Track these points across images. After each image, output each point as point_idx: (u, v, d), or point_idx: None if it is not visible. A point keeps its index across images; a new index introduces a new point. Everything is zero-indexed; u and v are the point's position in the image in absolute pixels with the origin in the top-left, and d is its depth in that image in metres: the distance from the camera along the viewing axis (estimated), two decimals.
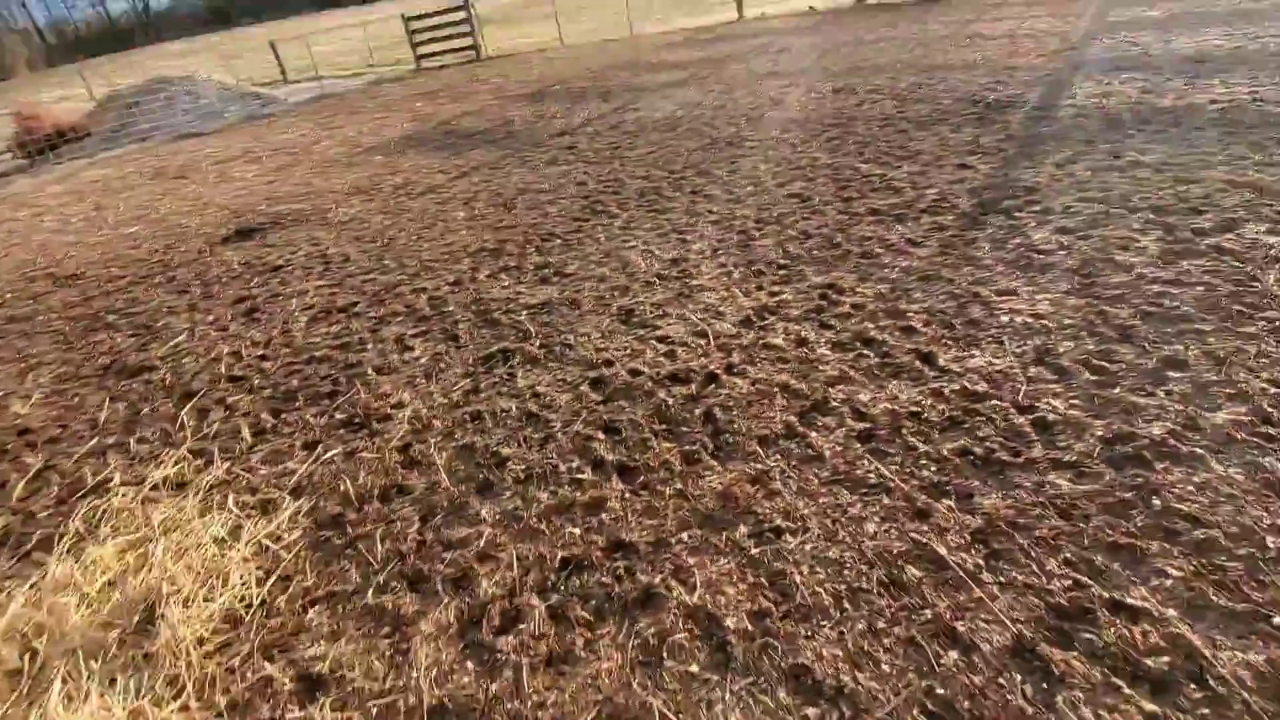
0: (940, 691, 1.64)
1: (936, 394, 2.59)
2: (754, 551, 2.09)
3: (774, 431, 2.57)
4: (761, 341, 3.12)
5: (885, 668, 1.71)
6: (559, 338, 3.48)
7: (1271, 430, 2.17)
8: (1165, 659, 1.62)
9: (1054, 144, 4.70)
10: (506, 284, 4.21)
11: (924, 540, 2.03)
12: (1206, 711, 1.51)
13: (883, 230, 3.93)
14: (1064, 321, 2.86)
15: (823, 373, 2.83)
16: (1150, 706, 1.53)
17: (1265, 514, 1.91)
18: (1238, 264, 3.04)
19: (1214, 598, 1.73)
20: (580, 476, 2.52)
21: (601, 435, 2.72)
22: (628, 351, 3.25)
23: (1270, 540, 1.84)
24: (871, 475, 2.29)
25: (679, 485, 2.40)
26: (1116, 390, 2.45)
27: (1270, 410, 2.24)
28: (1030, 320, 2.91)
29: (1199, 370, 2.47)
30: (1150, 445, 2.19)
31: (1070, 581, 1.83)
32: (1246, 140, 4.23)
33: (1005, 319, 2.95)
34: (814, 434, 2.52)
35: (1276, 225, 3.26)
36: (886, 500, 2.19)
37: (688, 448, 2.56)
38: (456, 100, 11.71)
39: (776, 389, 2.79)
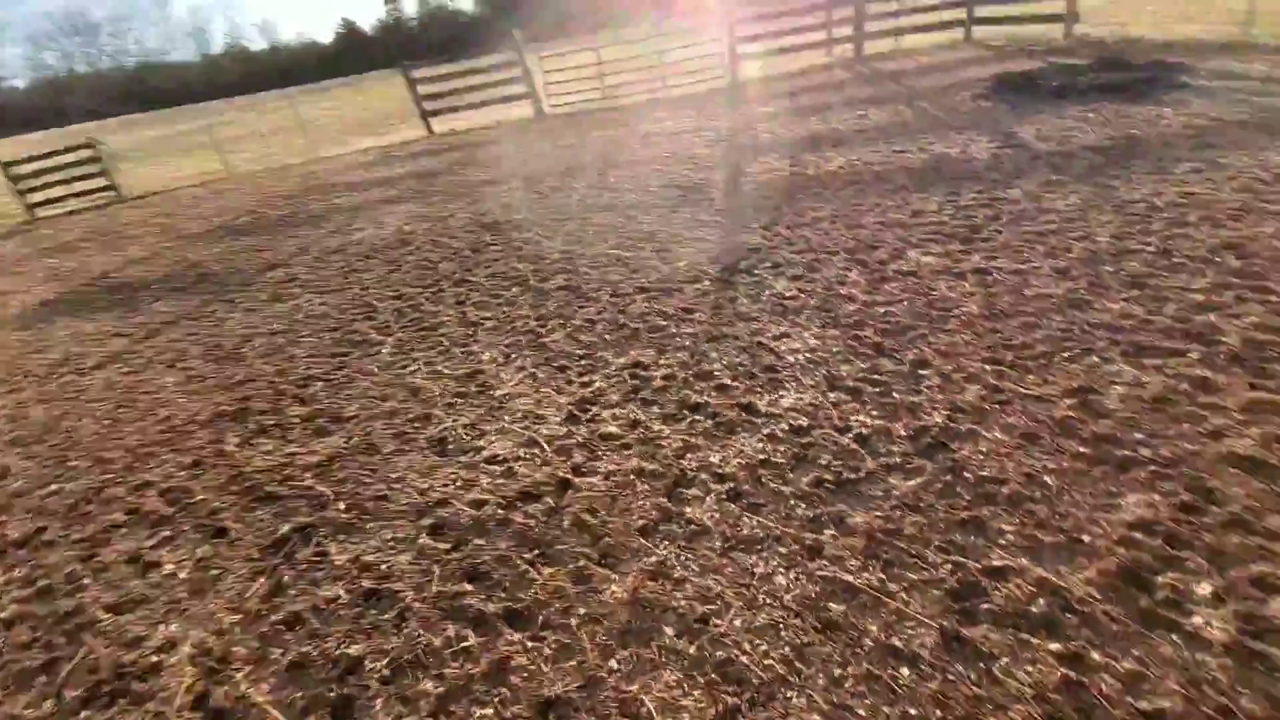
0: (914, 711, 1.71)
1: (772, 438, 2.83)
2: (691, 650, 1.98)
3: (650, 519, 2.51)
4: (597, 433, 3.08)
5: (862, 712, 1.74)
6: (368, 491, 2.98)
7: (1002, 397, 2.82)
8: (1042, 601, 1.94)
9: (753, 212, 5.67)
10: (270, 447, 3.50)
11: (829, 574, 2.15)
12: (1087, 632, 1.83)
13: (657, 304, 4.25)
14: (833, 350, 3.39)
15: (668, 447, 2.89)
16: (1054, 646, 1.81)
17: (1034, 460, 2.46)
18: (916, 280, 3.97)
19: (1042, 538, 2.14)
20: (466, 644, 2.14)
21: (469, 586, 2.37)
22: (459, 484, 2.92)
23: (1048, 479, 2.36)
24: (758, 530, 2.37)
25: (582, 610, 2.19)
26: (895, 395, 2.96)
27: (995, 383, 2.92)
28: (809, 355, 3.38)
29: (939, 366, 3.11)
30: (941, 431, 2.68)
31: (950, 565, 2.10)
32: (874, 191, 5.63)
33: (791, 359, 3.38)
34: (688, 508, 2.53)
35: (926, 249, 4.36)
36: (781, 549, 2.28)
37: (572, 565, 2.36)
38: (111, 249, 9.70)
39: (633, 475, 2.76)
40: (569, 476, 2.82)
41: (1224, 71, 7.51)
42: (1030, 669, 1.76)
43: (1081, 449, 2.47)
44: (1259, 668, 1.68)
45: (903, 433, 2.72)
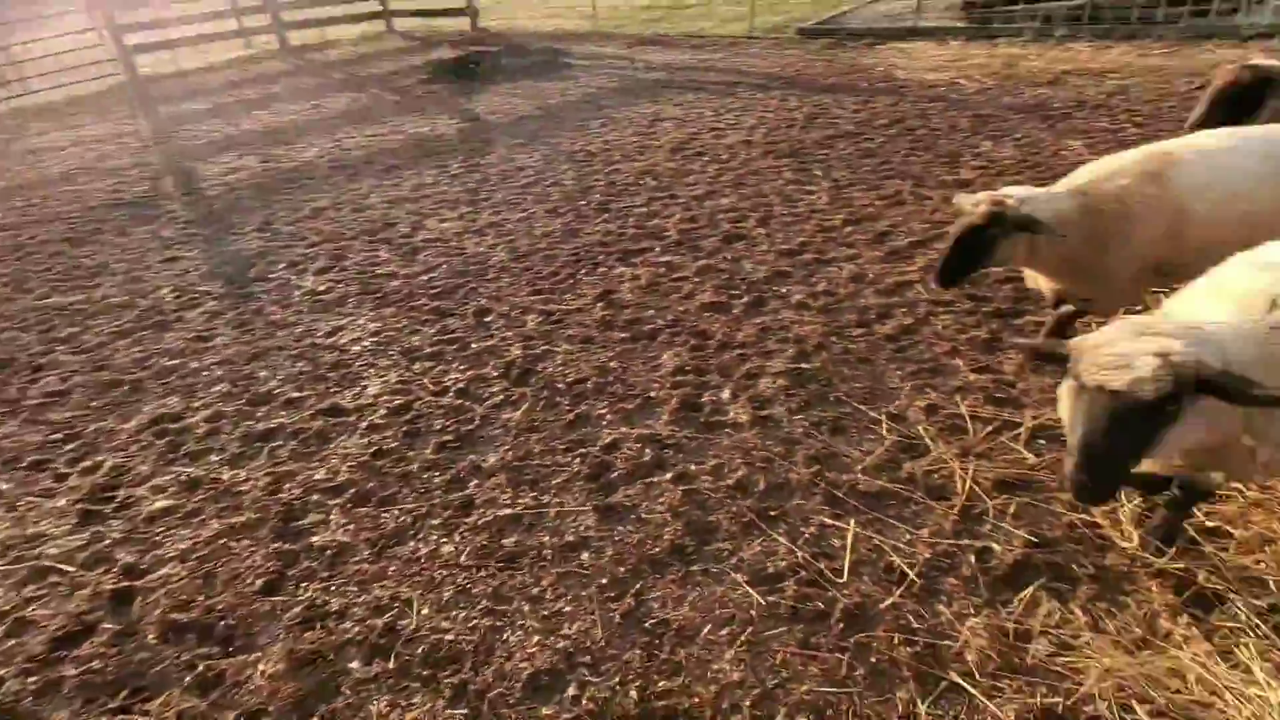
0: (604, 581, 1.95)
1: (374, 428, 2.63)
2: (390, 665, 1.77)
3: (272, 571, 2.07)
4: (140, 517, 2.31)
5: (568, 608, 1.88)
6: None
7: (555, 318, 3.25)
8: (647, 451, 2.39)
9: (236, 216, 4.86)
10: None
11: (490, 517, 2.19)
12: (680, 455, 2.36)
13: (154, 345, 3.32)
14: (398, 326, 3.29)
15: (254, 488, 2.38)
16: (668, 476, 2.27)
17: (598, 355, 2.94)
18: (445, 245, 4.13)
19: (627, 407, 2.62)
20: None
21: None
22: None
23: (613, 364, 2.87)
24: (403, 517, 2.22)
25: (230, 715, 1.69)
26: (474, 345, 3.09)
27: (545, 309, 3.33)
28: (375, 339, 3.21)
29: (498, 310, 3.37)
30: (524, 360, 2.94)
31: (579, 458, 2.39)
32: (368, 174, 5.50)
33: (357, 348, 3.14)
34: (314, 537, 2.18)
35: (441, 216, 4.54)
36: (435, 521, 2.20)
37: (188, 677, 1.79)
38: None
39: (223, 539, 2.19)
40: (126, 584, 2.06)
41: (591, 54, 9.80)
42: (662, 500, 2.19)
43: (622, 334, 3.08)
44: (769, 425, 2.47)
45: (494, 374, 2.88)
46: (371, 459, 2.48)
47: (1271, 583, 1.73)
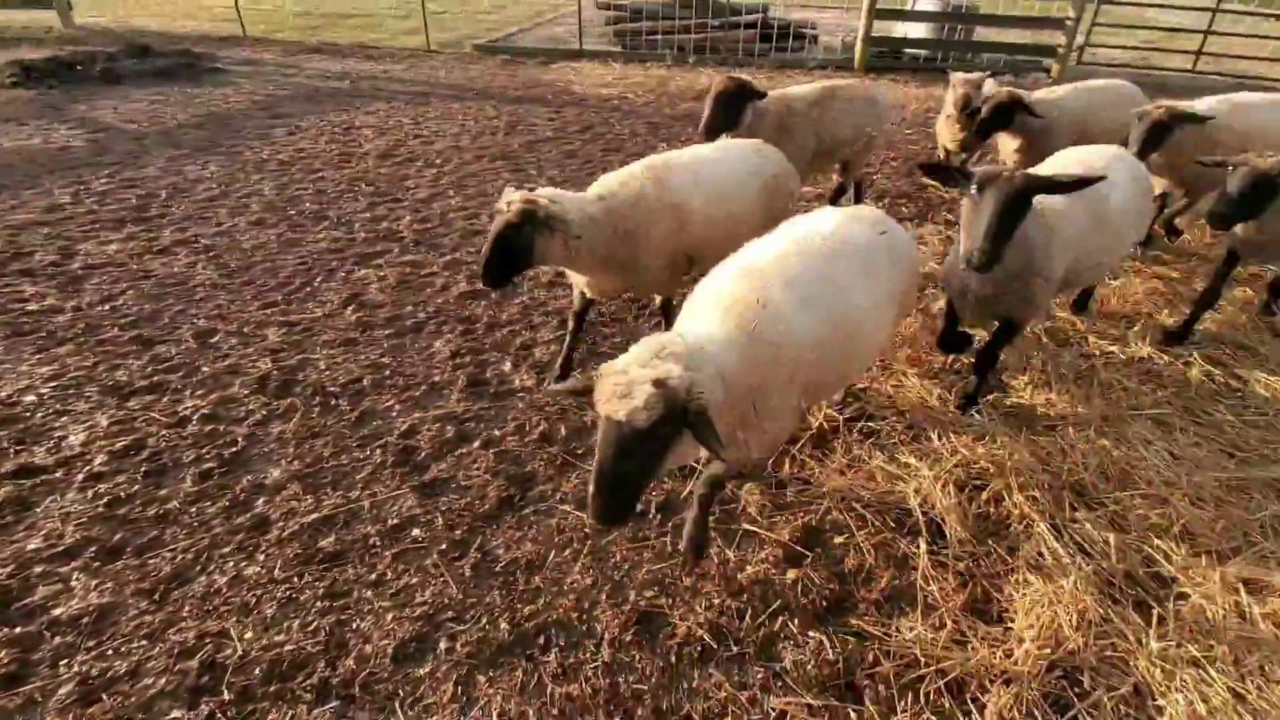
0: (444, 546, 1.99)
1: (97, 477, 2.17)
2: (226, 698, 1.59)
3: (3, 660, 1.63)
4: None
5: (415, 580, 1.89)
6: None
7: (302, 325, 3.02)
8: (449, 428, 2.45)
9: None
10: None
11: (295, 527, 2.03)
12: (481, 425, 2.48)
13: None
14: (86, 364, 2.68)
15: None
16: (476, 444, 2.38)
17: (364, 355, 2.84)
18: (122, 269, 3.43)
19: (415, 394, 2.62)
20: None
21: None
22: None
23: (384, 359, 2.81)
24: (183, 558, 1.93)
25: None
26: (204, 368, 2.71)
27: (287, 319, 3.06)
28: (55, 383, 2.58)
29: (225, 328, 2.98)
30: (282, 373, 2.69)
31: (379, 449, 2.34)
32: None
33: (30, 398, 2.49)
34: (58, 611, 1.76)
35: (103, 239, 3.72)
36: (225, 550, 1.96)
37: None
38: None
39: None
40: None
41: (246, 59, 8.73)
42: (477, 466, 2.29)
43: (386, 331, 3.02)
44: (563, 405, 2.72)
45: (245, 392, 2.59)
46: (107, 510, 2.06)
47: (905, 411, 2.60)
